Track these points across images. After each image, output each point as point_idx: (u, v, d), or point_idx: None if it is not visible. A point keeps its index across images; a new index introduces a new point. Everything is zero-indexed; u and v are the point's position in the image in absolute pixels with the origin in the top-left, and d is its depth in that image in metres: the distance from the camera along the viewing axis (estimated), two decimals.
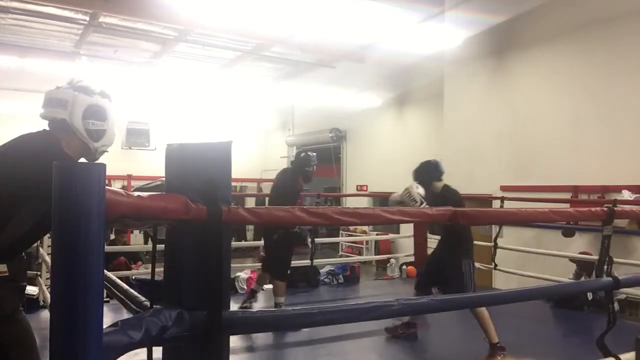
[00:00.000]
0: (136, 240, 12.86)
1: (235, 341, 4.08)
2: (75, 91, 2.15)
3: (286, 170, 5.57)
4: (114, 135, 2.30)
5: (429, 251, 8.00)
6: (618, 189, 6.39)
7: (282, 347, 4.52)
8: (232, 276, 6.76)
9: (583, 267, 6.10)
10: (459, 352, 4.54)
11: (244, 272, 7.10)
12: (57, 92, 2.16)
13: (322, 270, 7.57)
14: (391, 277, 8.37)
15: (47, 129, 2.17)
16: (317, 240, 7.48)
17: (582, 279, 5.97)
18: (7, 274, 1.96)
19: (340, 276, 7.56)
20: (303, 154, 5.40)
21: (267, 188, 10.41)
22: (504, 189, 7.76)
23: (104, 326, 1.16)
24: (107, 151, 2.28)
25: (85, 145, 2.17)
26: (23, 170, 1.95)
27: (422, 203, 4.31)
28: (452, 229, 4.30)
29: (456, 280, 4.18)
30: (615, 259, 2.67)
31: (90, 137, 2.16)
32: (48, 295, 5.02)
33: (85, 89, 2.18)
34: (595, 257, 5.75)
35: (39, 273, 5.59)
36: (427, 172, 4.48)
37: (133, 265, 7.99)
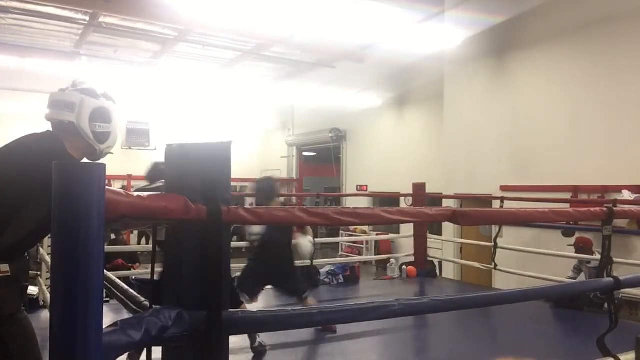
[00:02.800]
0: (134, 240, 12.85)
1: (235, 341, 4.08)
2: (82, 94, 2.16)
3: None
4: (117, 137, 2.31)
5: (430, 251, 8.02)
6: (618, 189, 6.39)
7: (282, 347, 4.51)
8: (232, 276, 6.73)
9: (581, 250, 5.96)
10: (458, 352, 4.54)
11: None
12: (63, 95, 2.16)
13: (322, 270, 7.55)
14: (391, 277, 8.35)
15: (50, 129, 2.18)
16: (317, 240, 7.47)
17: (582, 275, 5.97)
18: (9, 274, 1.96)
19: (340, 276, 7.54)
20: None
21: None
22: (504, 189, 7.76)
23: (104, 326, 1.16)
24: (111, 152, 2.30)
25: (91, 148, 2.19)
26: (27, 170, 1.96)
27: None
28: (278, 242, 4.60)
29: (297, 283, 4.81)
30: (615, 259, 2.66)
31: (96, 139, 2.18)
32: (48, 295, 5.01)
33: (91, 91, 2.20)
34: (596, 250, 5.78)
35: (39, 273, 5.59)
36: (272, 189, 4.79)
37: (132, 266, 7.96)
